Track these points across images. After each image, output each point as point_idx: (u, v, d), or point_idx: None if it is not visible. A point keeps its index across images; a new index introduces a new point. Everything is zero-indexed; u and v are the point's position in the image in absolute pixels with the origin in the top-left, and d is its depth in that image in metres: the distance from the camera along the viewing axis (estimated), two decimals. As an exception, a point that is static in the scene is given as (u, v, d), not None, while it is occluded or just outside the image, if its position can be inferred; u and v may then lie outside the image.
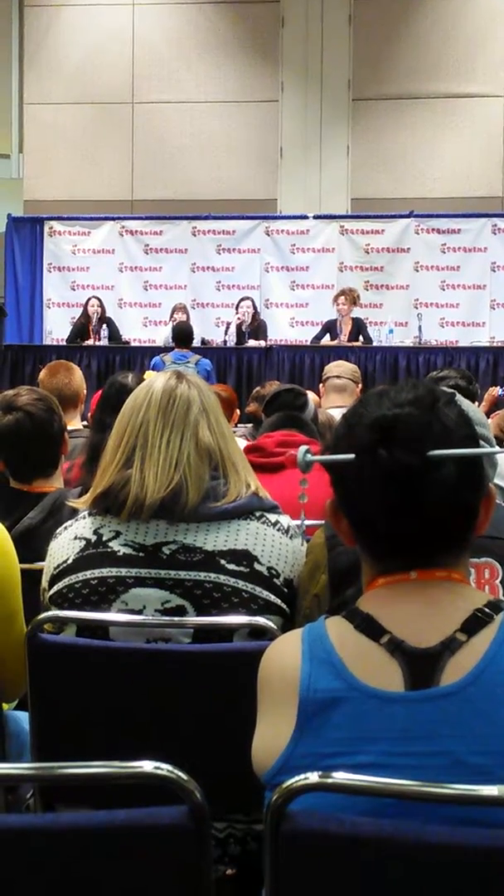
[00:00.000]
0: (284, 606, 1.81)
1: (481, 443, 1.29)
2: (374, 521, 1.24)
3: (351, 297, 9.49)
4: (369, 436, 1.22)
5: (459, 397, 1.33)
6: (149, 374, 3.58)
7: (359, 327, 9.58)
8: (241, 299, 10.12)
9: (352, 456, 1.23)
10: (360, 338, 9.53)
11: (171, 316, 9.96)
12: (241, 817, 1.72)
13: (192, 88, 11.31)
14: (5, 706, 2.05)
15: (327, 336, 9.75)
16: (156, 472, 1.78)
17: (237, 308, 10.04)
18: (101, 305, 10.10)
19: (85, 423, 4.16)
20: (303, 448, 1.33)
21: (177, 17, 11.42)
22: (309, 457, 1.33)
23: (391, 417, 1.22)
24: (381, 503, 1.22)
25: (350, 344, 9.42)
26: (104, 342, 9.87)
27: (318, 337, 9.77)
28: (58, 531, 1.93)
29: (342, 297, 9.54)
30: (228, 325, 10.03)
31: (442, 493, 1.21)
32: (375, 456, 1.21)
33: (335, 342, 9.55)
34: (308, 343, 9.98)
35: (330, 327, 9.72)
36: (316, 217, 10.97)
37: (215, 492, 1.81)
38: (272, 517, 1.85)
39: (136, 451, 1.81)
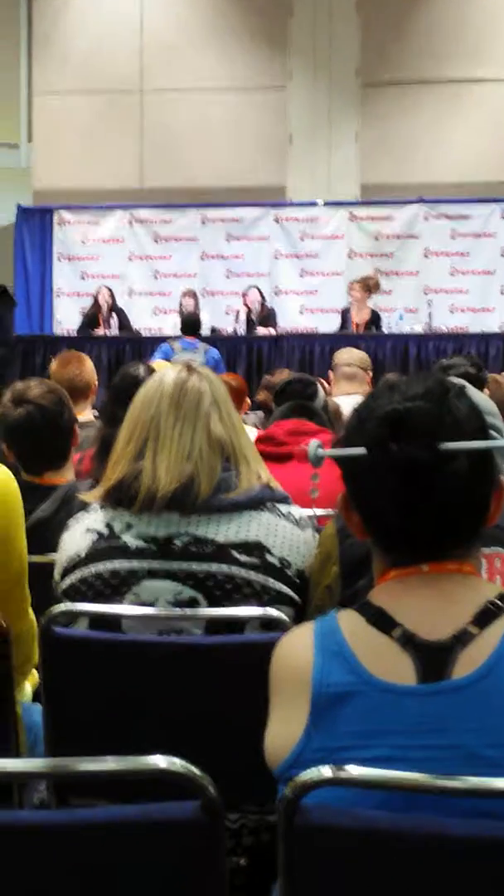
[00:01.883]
0: (296, 597, 1.81)
1: (492, 434, 1.28)
2: (385, 515, 1.24)
3: (365, 285, 9.41)
4: (380, 430, 1.22)
5: (470, 388, 1.32)
6: (158, 364, 3.58)
7: (374, 321, 9.49)
8: (249, 287, 10.10)
9: (363, 450, 1.23)
10: (374, 329, 9.47)
11: (180, 302, 9.93)
12: (254, 808, 1.72)
13: (200, 76, 11.26)
14: (18, 698, 2.06)
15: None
16: (167, 464, 1.78)
17: (244, 296, 10.01)
18: (112, 295, 10.09)
19: (96, 413, 4.16)
20: (314, 442, 1.33)
21: (184, 5, 11.37)
22: (320, 451, 1.33)
23: (402, 411, 1.22)
24: (393, 497, 1.22)
25: (360, 331, 9.38)
26: (114, 331, 9.86)
27: (340, 327, 9.68)
28: (69, 523, 1.93)
29: (356, 285, 9.48)
30: (238, 313, 10.01)
31: (453, 486, 1.21)
32: (387, 450, 1.21)
33: (345, 331, 9.51)
34: (318, 331, 9.95)
35: (343, 315, 9.68)
36: (325, 204, 10.93)
37: (227, 483, 1.81)
38: (283, 508, 1.85)
39: (147, 444, 1.81)
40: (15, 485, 2.02)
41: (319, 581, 1.81)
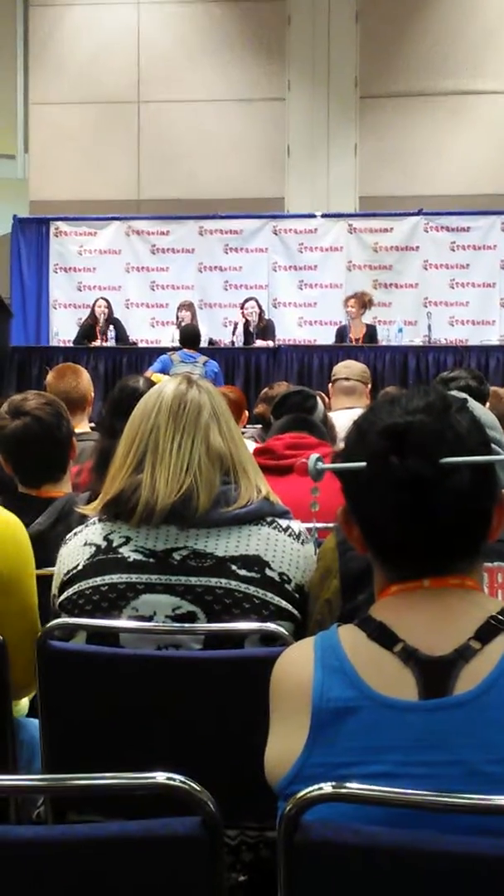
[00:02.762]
0: (296, 612, 1.80)
1: (494, 448, 1.28)
2: (386, 529, 1.23)
3: (361, 301, 9.44)
4: (381, 443, 1.21)
5: (472, 402, 1.32)
6: (155, 377, 3.58)
7: (371, 335, 9.52)
8: (246, 300, 10.10)
9: (363, 464, 1.22)
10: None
11: (177, 315, 9.93)
12: (254, 824, 1.71)
13: (198, 87, 11.30)
14: (16, 714, 2.04)
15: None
16: (167, 477, 1.77)
17: (242, 308, 10.02)
18: (109, 306, 10.09)
19: (93, 425, 4.15)
20: (314, 456, 1.32)
21: (182, 16, 11.41)
22: (320, 465, 1.33)
23: (403, 425, 1.21)
24: (394, 511, 1.21)
25: (359, 344, 9.39)
26: (111, 343, 9.87)
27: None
28: (67, 537, 1.93)
29: (352, 300, 9.50)
30: (236, 325, 10.02)
31: (455, 500, 1.20)
32: (387, 464, 1.20)
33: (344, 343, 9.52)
34: (316, 343, 9.95)
35: (340, 332, 9.70)
36: (324, 216, 10.95)
37: (226, 497, 1.80)
38: (283, 522, 1.85)
39: (146, 457, 1.80)
40: (23, 531, 2.00)
41: (319, 595, 1.80)
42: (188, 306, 10.04)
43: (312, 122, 11.31)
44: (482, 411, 1.66)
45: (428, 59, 11.01)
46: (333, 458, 1.31)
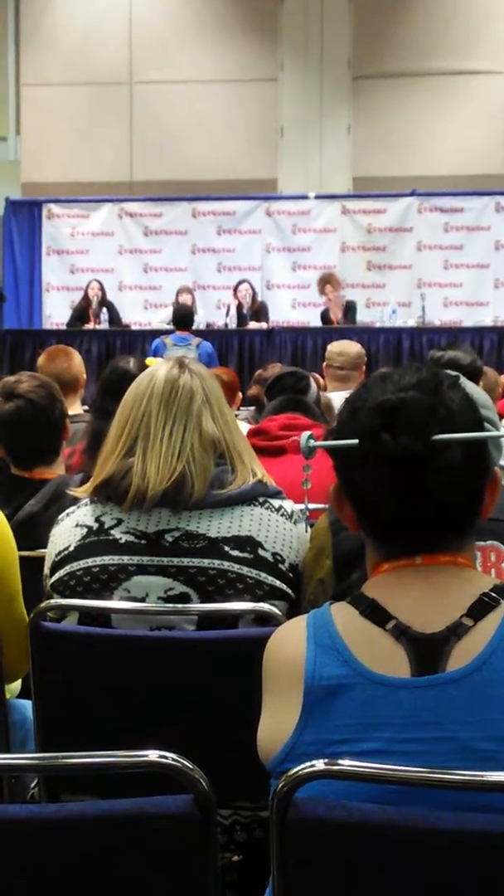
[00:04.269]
0: (290, 592, 1.80)
1: (486, 426, 1.27)
2: (378, 507, 1.23)
3: (324, 282, 9.45)
4: (373, 420, 1.21)
5: (464, 380, 1.31)
6: (150, 361, 3.57)
7: (349, 309, 9.51)
8: (240, 282, 10.07)
9: (355, 441, 1.22)
10: (348, 316, 9.47)
11: (176, 299, 9.89)
12: (247, 804, 1.71)
13: (190, 68, 11.22)
14: (9, 695, 2.04)
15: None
16: (157, 464, 1.77)
17: (235, 291, 9.98)
18: (102, 289, 10.06)
19: (86, 407, 4.14)
20: (306, 434, 1.32)
21: (174, -4, 11.33)
22: (312, 442, 1.32)
23: (395, 402, 1.21)
24: (386, 488, 1.21)
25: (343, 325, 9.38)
26: (104, 326, 9.84)
27: None
28: (59, 518, 1.92)
29: (327, 286, 9.49)
30: (229, 307, 9.99)
31: (446, 477, 1.20)
32: (379, 441, 1.20)
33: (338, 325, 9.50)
34: (310, 325, 9.93)
35: (324, 315, 9.69)
36: (317, 197, 10.91)
37: (220, 480, 1.80)
38: (276, 503, 1.84)
39: (137, 442, 1.79)
40: (6, 527, 2.01)
41: (312, 575, 1.80)
42: (188, 290, 9.99)
43: (306, 102, 11.25)
44: (474, 389, 1.65)
45: (421, 40, 10.95)
46: (325, 435, 1.30)
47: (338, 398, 3.92)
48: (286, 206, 10.96)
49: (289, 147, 11.27)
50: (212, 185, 11.03)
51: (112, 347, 9.39)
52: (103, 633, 1.73)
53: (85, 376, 4.22)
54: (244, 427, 2.79)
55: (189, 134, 11.23)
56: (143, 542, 1.77)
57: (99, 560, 1.77)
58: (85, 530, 1.81)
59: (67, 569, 1.80)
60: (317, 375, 4.02)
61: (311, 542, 1.83)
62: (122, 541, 1.77)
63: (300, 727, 1.18)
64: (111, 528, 1.79)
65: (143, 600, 1.75)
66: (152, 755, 1.13)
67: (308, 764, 1.10)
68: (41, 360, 4.16)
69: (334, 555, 1.77)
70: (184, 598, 1.74)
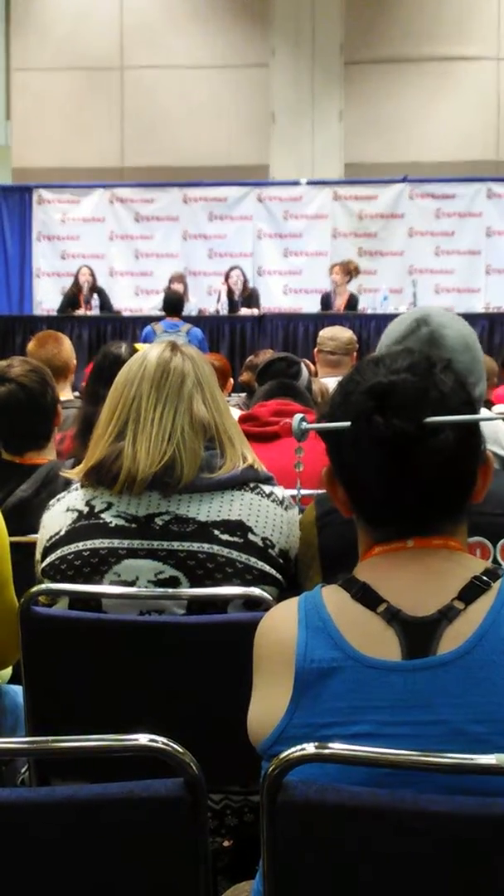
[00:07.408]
0: (279, 577, 1.80)
1: (485, 411, 1.27)
2: (370, 489, 1.23)
3: (346, 269, 9.41)
4: (365, 403, 1.20)
5: (446, 327, 1.31)
6: (139, 348, 3.56)
7: (352, 304, 9.50)
8: (231, 268, 10.05)
9: (348, 423, 1.22)
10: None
11: (169, 286, 9.85)
12: (238, 789, 1.72)
13: (181, 53, 11.17)
14: (-1, 680, 2.04)
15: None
16: (148, 447, 1.76)
17: (226, 277, 9.96)
18: (93, 275, 10.02)
19: (77, 393, 4.13)
20: (298, 416, 1.31)
21: (165, -19, 11.26)
22: (304, 425, 1.32)
23: (387, 384, 1.20)
24: (378, 471, 1.20)
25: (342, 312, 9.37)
26: (95, 312, 9.81)
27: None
28: (50, 503, 1.91)
29: (337, 268, 9.48)
30: (220, 293, 9.96)
31: (439, 459, 1.19)
32: (371, 423, 1.19)
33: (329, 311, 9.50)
34: (302, 311, 9.91)
35: (325, 299, 9.67)
36: (309, 183, 10.89)
37: (210, 464, 1.79)
38: (266, 488, 1.84)
39: (128, 425, 1.78)
40: None
41: (310, 566, 1.80)
42: (179, 278, 9.95)
43: (297, 88, 11.21)
44: (457, 332, 1.62)
45: (413, 25, 10.91)
46: (318, 418, 1.30)
47: (329, 384, 3.92)
48: (278, 192, 10.93)
49: (280, 133, 11.23)
50: (203, 171, 11.00)
51: (103, 333, 9.36)
52: (93, 618, 1.72)
53: (75, 362, 4.22)
54: (235, 413, 2.79)
55: (180, 119, 11.18)
56: (133, 525, 1.76)
57: (90, 544, 1.77)
58: (75, 514, 1.81)
59: (58, 553, 1.80)
60: (308, 362, 4.01)
61: (300, 533, 1.83)
62: (113, 524, 1.77)
63: (291, 710, 1.17)
64: (101, 511, 1.78)
65: (133, 584, 1.74)
66: (142, 739, 1.13)
67: (299, 747, 1.10)
68: (31, 345, 4.15)
69: (320, 551, 1.76)
70: (173, 581, 1.74)
